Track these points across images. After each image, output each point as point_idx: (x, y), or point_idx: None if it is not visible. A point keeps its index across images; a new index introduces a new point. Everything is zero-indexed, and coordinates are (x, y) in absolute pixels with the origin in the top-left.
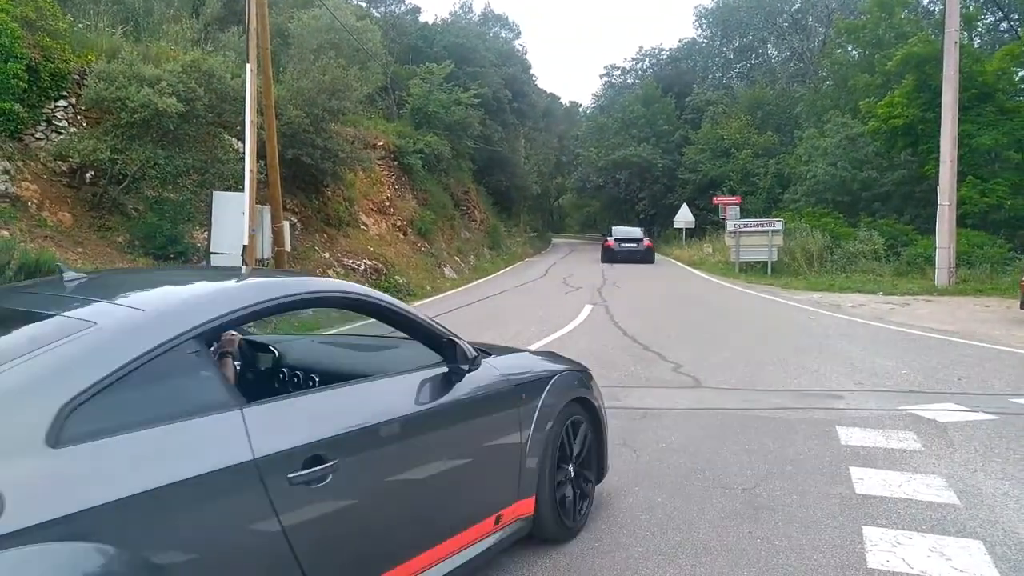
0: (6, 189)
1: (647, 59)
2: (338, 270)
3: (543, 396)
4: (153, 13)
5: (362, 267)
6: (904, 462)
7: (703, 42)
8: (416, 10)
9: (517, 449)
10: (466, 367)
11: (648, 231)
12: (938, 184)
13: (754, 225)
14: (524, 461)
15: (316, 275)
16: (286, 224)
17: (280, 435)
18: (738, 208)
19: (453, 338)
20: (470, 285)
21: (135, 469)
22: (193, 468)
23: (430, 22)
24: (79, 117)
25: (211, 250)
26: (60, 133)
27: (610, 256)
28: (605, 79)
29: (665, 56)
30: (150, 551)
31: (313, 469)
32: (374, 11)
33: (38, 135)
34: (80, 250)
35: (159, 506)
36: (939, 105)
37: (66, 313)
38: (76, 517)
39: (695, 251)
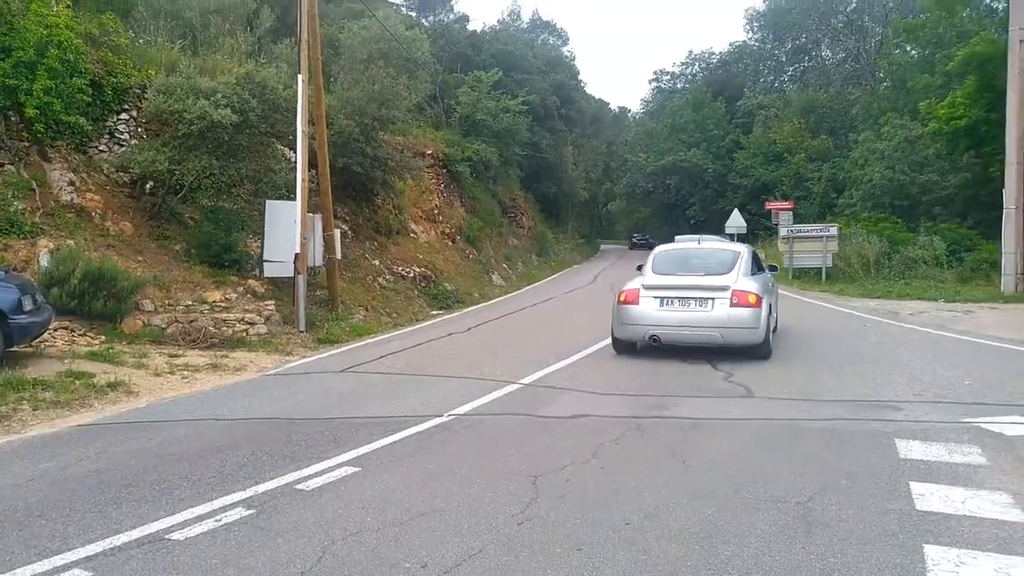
0: (71, 200)
1: (697, 63)
2: (388, 277)
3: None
4: (210, 27)
5: (411, 274)
6: (968, 477)
7: (754, 45)
8: (465, 19)
9: None
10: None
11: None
12: (1004, 187)
13: (808, 231)
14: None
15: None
16: (337, 232)
17: None
18: (791, 213)
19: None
20: (518, 292)
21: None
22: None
23: (478, 30)
24: (140, 129)
25: (264, 258)
26: (122, 145)
27: (632, 245)
28: (654, 84)
29: (715, 60)
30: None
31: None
32: (423, 20)
33: (101, 147)
34: (140, 258)
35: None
36: (1004, 106)
37: None
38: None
39: None
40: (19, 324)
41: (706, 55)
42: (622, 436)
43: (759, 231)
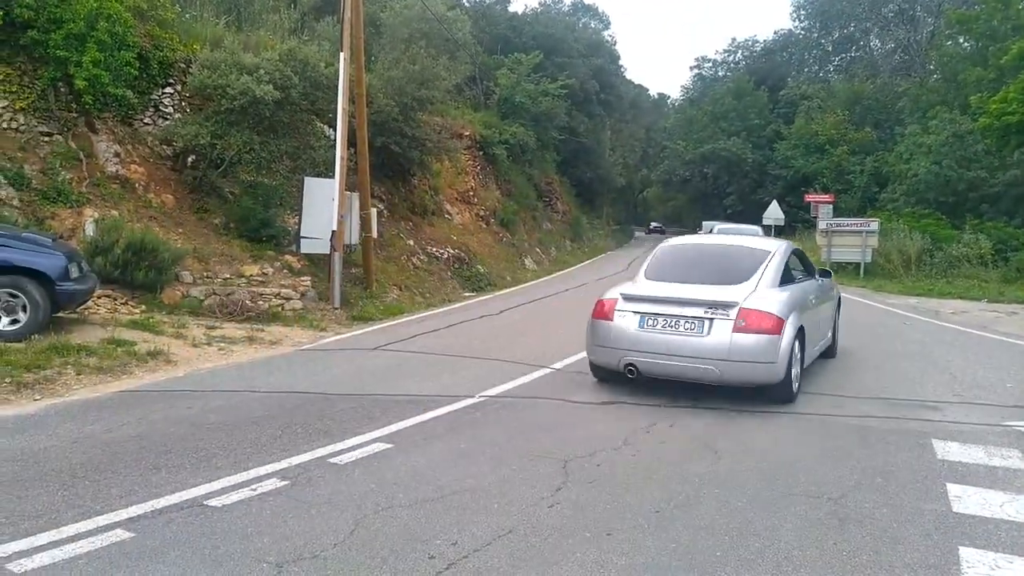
0: (117, 171)
1: (740, 51)
2: (422, 257)
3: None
4: (254, 3)
5: (445, 255)
6: (1007, 481)
7: (800, 34)
8: (506, 0)
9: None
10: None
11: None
12: None
13: (847, 224)
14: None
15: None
16: (373, 211)
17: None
18: (831, 207)
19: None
20: (551, 277)
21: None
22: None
23: (519, 12)
24: (183, 103)
25: (301, 234)
26: (166, 119)
27: (649, 231)
28: (695, 71)
29: (759, 48)
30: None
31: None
32: (464, 1)
33: (146, 120)
34: (180, 230)
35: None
36: None
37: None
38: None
39: None
40: (65, 291)
41: (749, 43)
42: (654, 424)
43: (797, 224)
